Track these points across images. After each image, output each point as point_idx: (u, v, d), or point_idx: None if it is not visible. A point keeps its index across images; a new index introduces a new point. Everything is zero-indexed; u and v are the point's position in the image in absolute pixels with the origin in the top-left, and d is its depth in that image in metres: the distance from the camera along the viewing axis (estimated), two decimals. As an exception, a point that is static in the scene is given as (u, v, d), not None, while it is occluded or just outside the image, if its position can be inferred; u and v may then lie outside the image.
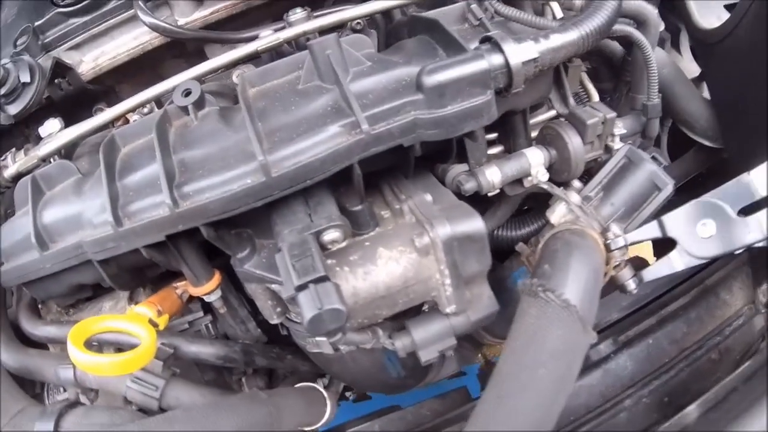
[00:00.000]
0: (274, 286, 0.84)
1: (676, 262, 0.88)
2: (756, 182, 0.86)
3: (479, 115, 0.79)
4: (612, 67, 1.16)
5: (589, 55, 1.21)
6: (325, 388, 1.05)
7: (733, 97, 1.03)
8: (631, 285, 0.88)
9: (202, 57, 1.07)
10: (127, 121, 1.02)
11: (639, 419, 0.91)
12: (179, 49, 1.05)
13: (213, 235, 0.80)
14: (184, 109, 0.85)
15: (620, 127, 1.00)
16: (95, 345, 0.92)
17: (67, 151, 1.01)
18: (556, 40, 0.82)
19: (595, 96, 1.08)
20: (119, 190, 0.83)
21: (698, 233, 0.85)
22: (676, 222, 0.86)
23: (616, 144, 1.00)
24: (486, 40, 0.81)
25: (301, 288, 0.71)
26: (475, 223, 0.81)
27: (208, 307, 1.01)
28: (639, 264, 0.93)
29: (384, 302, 0.81)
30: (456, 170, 0.93)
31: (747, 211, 0.85)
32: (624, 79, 1.10)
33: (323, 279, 0.71)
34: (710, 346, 0.97)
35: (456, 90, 0.76)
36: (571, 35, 0.82)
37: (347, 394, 1.46)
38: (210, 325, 0.99)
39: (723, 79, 1.05)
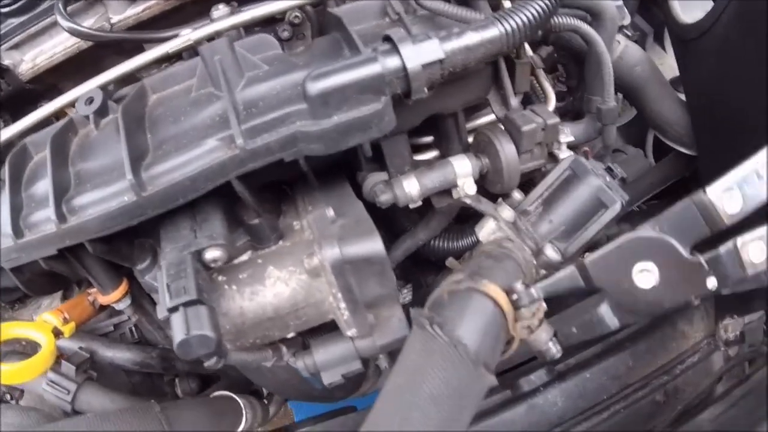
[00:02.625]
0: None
1: (608, 319, 0.70)
2: (715, 202, 0.67)
3: (367, 126, 0.66)
4: (579, 63, 0.99)
5: (558, 50, 1.04)
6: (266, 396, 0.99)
7: (707, 100, 0.85)
8: (552, 350, 0.68)
9: (144, 54, 0.99)
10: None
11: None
12: (116, 48, 0.98)
13: (103, 249, 0.73)
14: (87, 118, 0.77)
15: (567, 134, 0.84)
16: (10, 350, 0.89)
17: (2, 154, 0.96)
18: (471, 37, 0.68)
19: (551, 96, 0.92)
20: (23, 200, 0.77)
21: (636, 283, 0.63)
22: (604, 268, 0.65)
23: (563, 153, 0.84)
24: (385, 39, 0.68)
25: (172, 310, 0.63)
26: (372, 245, 0.70)
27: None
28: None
29: (273, 324, 0.72)
30: (375, 178, 0.81)
31: (704, 245, 0.63)
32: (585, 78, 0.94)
33: (194, 302, 0.63)
34: (656, 386, 0.82)
35: (341, 98, 0.64)
36: (491, 32, 0.68)
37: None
38: (134, 328, 0.94)
39: (698, 79, 0.86)
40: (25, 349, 0.87)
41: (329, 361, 0.76)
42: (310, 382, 0.93)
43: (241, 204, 0.75)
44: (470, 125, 0.89)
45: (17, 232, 0.74)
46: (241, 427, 0.89)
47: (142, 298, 0.89)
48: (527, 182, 0.86)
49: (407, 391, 0.63)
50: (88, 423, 0.73)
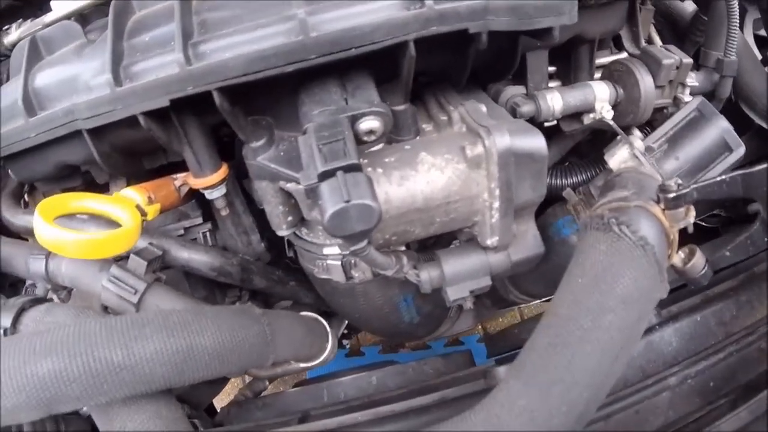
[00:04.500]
0: (289, 186, 0.62)
1: (759, 239, 0.65)
2: None
3: (561, 11, 0.57)
4: (676, 30, 0.95)
5: (656, 18, 1.00)
6: None
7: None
8: (707, 276, 0.62)
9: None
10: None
11: (681, 402, 0.69)
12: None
13: (227, 107, 0.58)
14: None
15: (693, 78, 0.79)
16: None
17: (79, 22, 0.78)
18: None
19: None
20: (125, 49, 0.62)
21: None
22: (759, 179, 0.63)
23: (686, 96, 0.79)
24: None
25: (326, 175, 0.50)
26: (538, 141, 0.60)
27: (209, 216, 0.78)
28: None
29: (419, 217, 0.60)
30: (512, 91, 0.72)
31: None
32: (693, 39, 0.89)
33: (355, 168, 0.50)
34: (761, 334, 0.76)
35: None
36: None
37: (344, 341, 1.24)
38: (208, 234, 0.77)
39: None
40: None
41: (458, 274, 0.64)
42: (400, 313, 0.79)
43: (385, 88, 0.62)
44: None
45: (117, 79, 0.58)
46: (326, 353, 0.74)
47: (234, 194, 0.73)
48: (646, 124, 0.80)
49: (597, 292, 0.52)
50: (180, 318, 0.56)
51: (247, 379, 1.12)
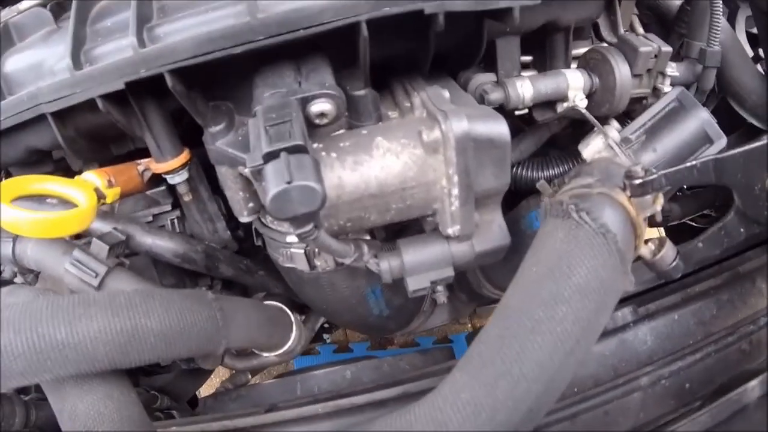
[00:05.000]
0: (247, 171, 0.60)
1: (734, 231, 0.62)
2: None
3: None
4: (663, 24, 0.91)
5: (642, 11, 0.96)
6: (303, 322, 0.80)
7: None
8: (679, 267, 0.57)
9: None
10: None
11: (654, 403, 0.65)
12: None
13: (181, 90, 0.56)
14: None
15: (673, 68, 0.75)
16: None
17: (55, 11, 0.78)
18: None
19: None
20: (87, 34, 0.61)
21: (769, 186, 0.57)
22: (741, 166, 0.58)
23: (666, 86, 0.75)
24: None
25: (270, 156, 0.48)
26: (499, 126, 0.57)
27: (177, 204, 0.77)
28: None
29: (374, 203, 0.57)
30: (481, 78, 0.69)
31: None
32: (678, 31, 0.85)
33: (300, 149, 0.48)
34: (742, 334, 0.71)
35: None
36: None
37: (324, 336, 1.21)
38: (176, 221, 0.75)
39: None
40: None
41: (419, 264, 0.61)
42: (369, 305, 0.77)
43: (344, 74, 0.60)
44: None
45: (76, 63, 0.57)
46: (288, 344, 0.71)
47: (198, 181, 0.72)
48: (623, 114, 0.76)
49: (551, 281, 0.49)
50: (127, 299, 0.54)
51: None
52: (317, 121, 0.55)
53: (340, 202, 0.56)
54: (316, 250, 0.67)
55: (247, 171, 0.59)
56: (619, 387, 0.64)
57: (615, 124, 0.74)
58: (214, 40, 0.52)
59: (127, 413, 0.56)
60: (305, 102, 0.54)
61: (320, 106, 0.54)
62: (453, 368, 0.50)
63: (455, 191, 0.57)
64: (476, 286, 0.84)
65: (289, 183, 0.46)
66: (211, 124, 0.61)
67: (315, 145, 0.57)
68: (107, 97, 0.59)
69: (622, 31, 0.75)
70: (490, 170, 0.58)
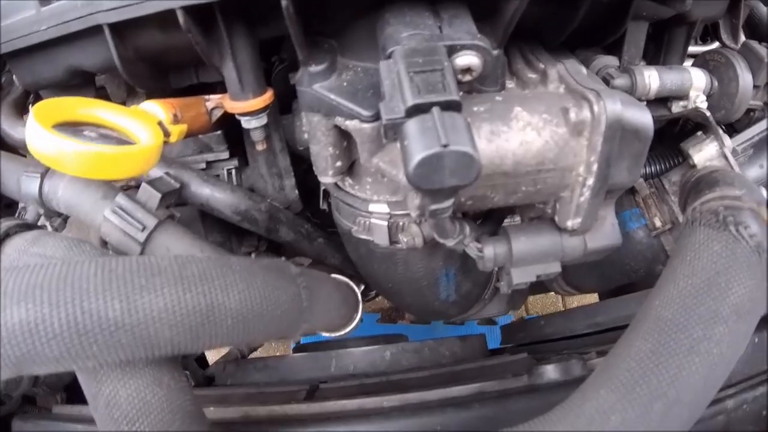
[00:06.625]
0: (348, 123, 0.47)
1: None
2: None
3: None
4: (754, 33, 0.83)
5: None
6: None
7: None
8: None
9: None
10: None
11: (735, 428, 0.59)
12: None
13: (292, 13, 0.42)
14: None
15: (786, 83, 0.67)
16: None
17: None
18: None
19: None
20: None
21: None
22: None
23: (775, 102, 0.67)
24: None
25: (417, 110, 0.36)
26: (646, 117, 0.48)
27: (234, 153, 0.63)
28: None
29: (504, 182, 0.47)
30: (604, 60, 0.59)
31: None
32: (772, 44, 0.77)
33: (455, 106, 0.36)
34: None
35: None
36: None
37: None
38: (234, 172, 0.61)
39: None
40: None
41: (527, 255, 0.52)
42: (438, 289, 0.67)
43: (480, 26, 0.48)
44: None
45: None
46: (353, 325, 0.60)
47: (273, 129, 0.58)
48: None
49: (710, 298, 0.40)
50: (202, 268, 0.41)
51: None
52: (460, 76, 0.44)
53: (468, 177, 0.45)
54: (402, 223, 0.56)
55: (356, 125, 0.47)
56: (708, 407, 0.57)
57: (720, 132, 0.66)
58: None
59: (178, 403, 0.44)
60: (452, 51, 0.42)
61: (468, 59, 0.43)
62: (590, 380, 0.41)
63: (590, 181, 0.47)
64: (547, 282, 0.76)
65: (445, 146, 0.34)
66: (311, 61, 0.48)
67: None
68: (190, 10, 0.44)
69: (743, 36, 0.66)
70: (626, 163, 0.49)
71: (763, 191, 0.53)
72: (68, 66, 0.55)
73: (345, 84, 0.48)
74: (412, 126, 0.36)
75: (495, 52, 0.49)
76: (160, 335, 0.39)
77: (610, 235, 0.54)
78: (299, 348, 0.92)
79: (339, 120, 0.49)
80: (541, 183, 0.48)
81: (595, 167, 0.46)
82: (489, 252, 0.51)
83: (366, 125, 0.46)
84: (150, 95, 0.58)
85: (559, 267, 0.53)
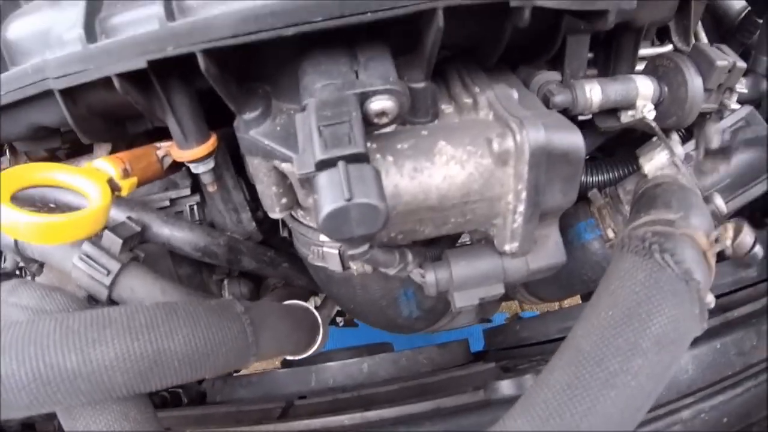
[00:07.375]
0: (284, 166, 0.49)
1: None
2: None
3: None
4: (719, 29, 0.80)
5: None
6: (317, 308, 0.71)
7: None
8: (760, 253, 0.53)
9: None
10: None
11: (693, 437, 0.59)
12: None
13: (214, 72, 0.44)
14: None
15: (742, 84, 0.65)
16: (39, 206, 0.57)
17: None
18: None
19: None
20: (103, 2, 0.48)
21: None
22: None
23: (732, 103, 0.65)
24: None
25: (325, 164, 0.37)
26: (575, 139, 0.47)
27: (197, 188, 0.66)
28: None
29: (431, 216, 0.48)
30: (546, 77, 0.58)
31: None
32: (740, 40, 0.75)
33: (361, 158, 0.37)
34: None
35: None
36: None
37: (338, 319, 1.13)
38: (196, 207, 0.64)
39: None
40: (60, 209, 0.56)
41: (468, 279, 0.53)
42: (399, 307, 0.68)
43: (405, 59, 0.49)
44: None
45: (90, 34, 0.45)
46: (316, 346, 0.63)
47: (224, 168, 0.60)
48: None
49: (629, 330, 0.41)
50: (149, 315, 0.44)
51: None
52: (376, 120, 0.45)
53: (395, 214, 0.46)
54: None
55: (290, 168, 0.48)
56: (660, 419, 0.57)
57: (675, 137, 0.64)
58: (262, 17, 0.40)
59: (145, 430, 0.48)
60: (364, 97, 0.43)
61: (382, 104, 0.43)
62: (515, 407, 0.42)
63: (521, 208, 0.48)
64: (510, 291, 0.76)
65: (348, 200, 0.36)
66: (245, 110, 0.50)
67: (368, 145, 0.47)
68: (125, 75, 0.47)
69: (693, 39, 0.64)
70: (559, 186, 0.49)
71: (709, 212, 0.52)
72: (30, 124, 0.58)
73: (278, 128, 0.50)
74: (321, 180, 0.38)
75: (421, 85, 0.49)
76: (113, 381, 0.42)
77: (553, 253, 0.54)
78: (287, 362, 0.95)
79: (276, 162, 0.50)
80: (470, 213, 0.48)
81: (524, 195, 0.47)
82: (431, 278, 0.52)
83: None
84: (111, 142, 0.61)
85: (502, 289, 0.53)
